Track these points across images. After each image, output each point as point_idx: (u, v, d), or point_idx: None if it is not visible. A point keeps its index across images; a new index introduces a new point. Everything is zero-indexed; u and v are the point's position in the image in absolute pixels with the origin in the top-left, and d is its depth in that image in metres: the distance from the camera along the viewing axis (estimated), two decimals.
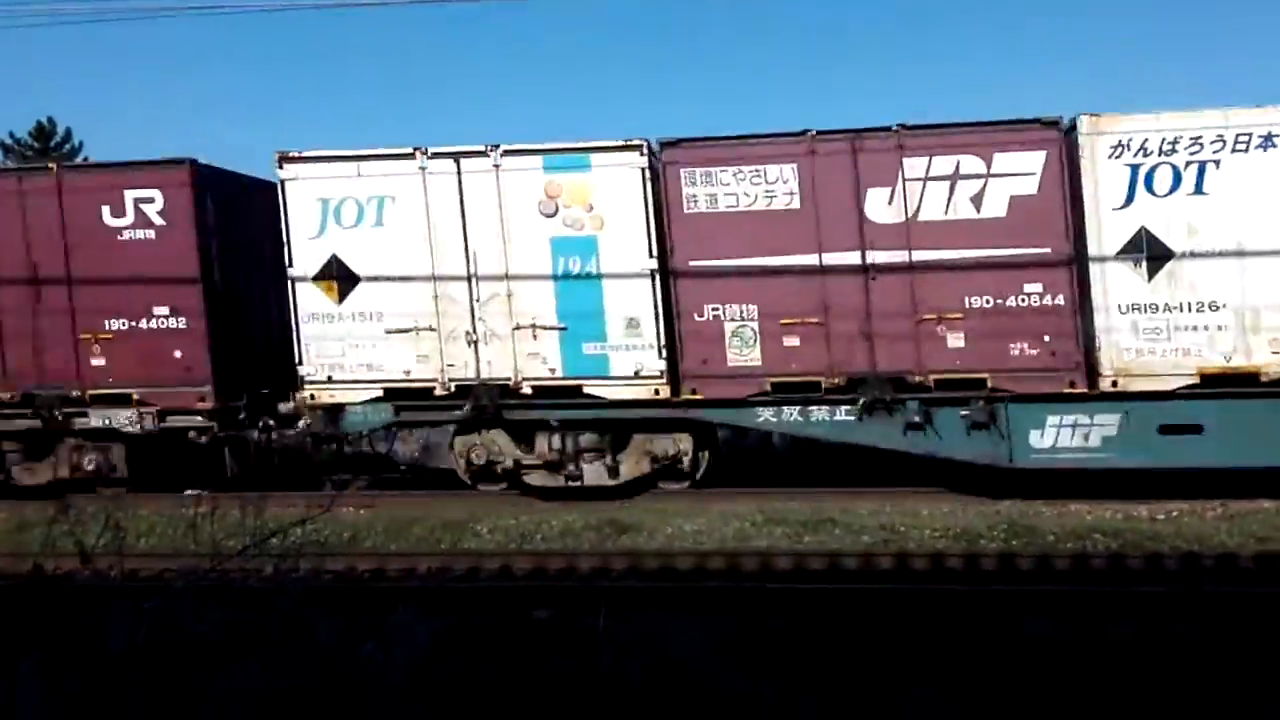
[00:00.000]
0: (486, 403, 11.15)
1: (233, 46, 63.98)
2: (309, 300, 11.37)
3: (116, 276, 11.64)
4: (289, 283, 11.41)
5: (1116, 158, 10.06)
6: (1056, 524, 9.97)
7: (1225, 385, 9.99)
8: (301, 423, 11.79)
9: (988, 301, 10.38)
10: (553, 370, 11.16)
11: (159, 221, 11.63)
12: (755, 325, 10.79)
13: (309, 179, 11.30)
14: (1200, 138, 9.89)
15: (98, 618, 4.89)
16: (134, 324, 11.76)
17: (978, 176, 10.34)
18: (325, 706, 4.44)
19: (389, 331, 11.25)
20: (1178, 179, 9.97)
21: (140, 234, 11.68)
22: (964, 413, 10.50)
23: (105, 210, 11.68)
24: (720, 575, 8.64)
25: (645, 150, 10.94)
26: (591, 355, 11.10)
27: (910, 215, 10.47)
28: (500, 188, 11.08)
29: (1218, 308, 9.96)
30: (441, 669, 5.02)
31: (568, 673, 4.73)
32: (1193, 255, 9.95)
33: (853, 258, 10.62)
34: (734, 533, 10.14)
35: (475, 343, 11.22)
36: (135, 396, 11.81)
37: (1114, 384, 10.19)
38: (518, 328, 11.12)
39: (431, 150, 11.21)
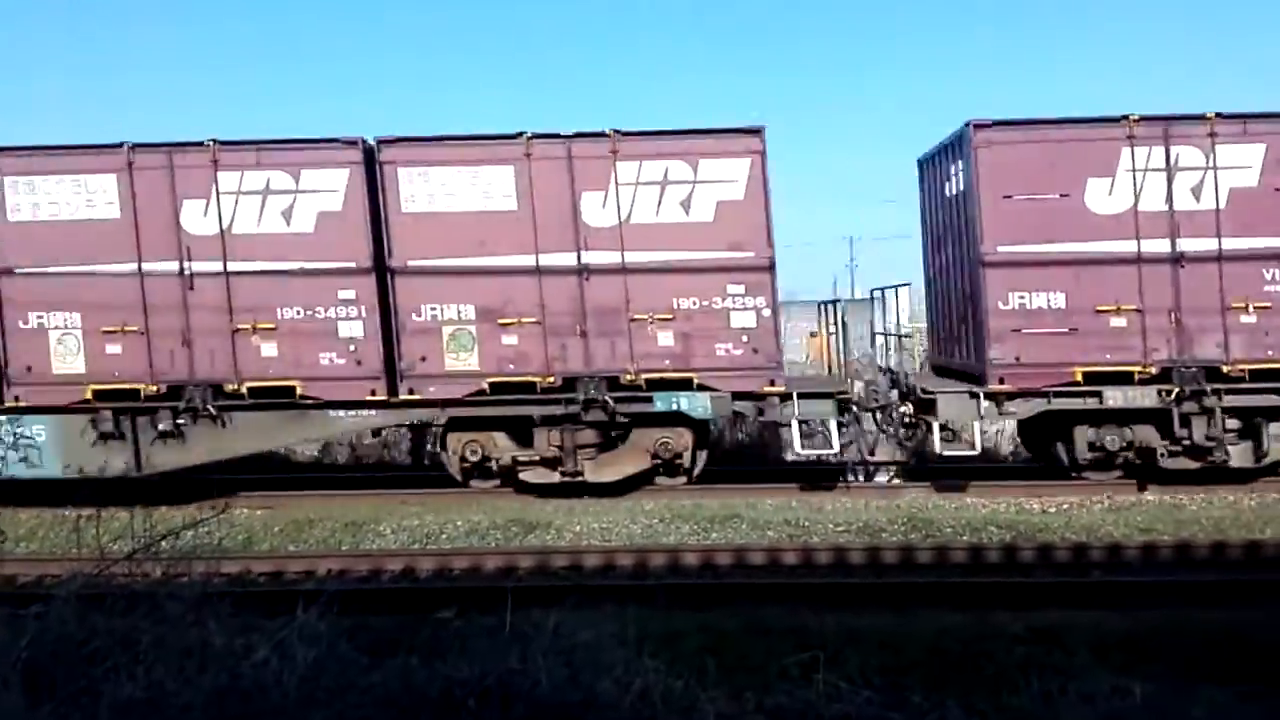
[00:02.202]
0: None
1: None
2: None
3: None
4: None
5: None
6: (954, 517, 10.27)
7: None
8: None
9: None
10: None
11: None
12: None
13: None
14: None
15: None
16: None
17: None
18: (218, 715, 4.27)
19: None
20: None
21: None
22: None
23: None
24: (628, 572, 8.63)
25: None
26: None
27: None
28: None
29: None
30: (341, 672, 4.87)
31: (473, 671, 4.63)
32: None
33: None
34: (642, 530, 10.15)
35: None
36: None
37: None
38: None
39: None
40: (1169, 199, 10.68)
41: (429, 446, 12.97)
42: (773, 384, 10.96)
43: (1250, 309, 10.59)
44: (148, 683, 4.31)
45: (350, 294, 10.87)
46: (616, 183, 10.76)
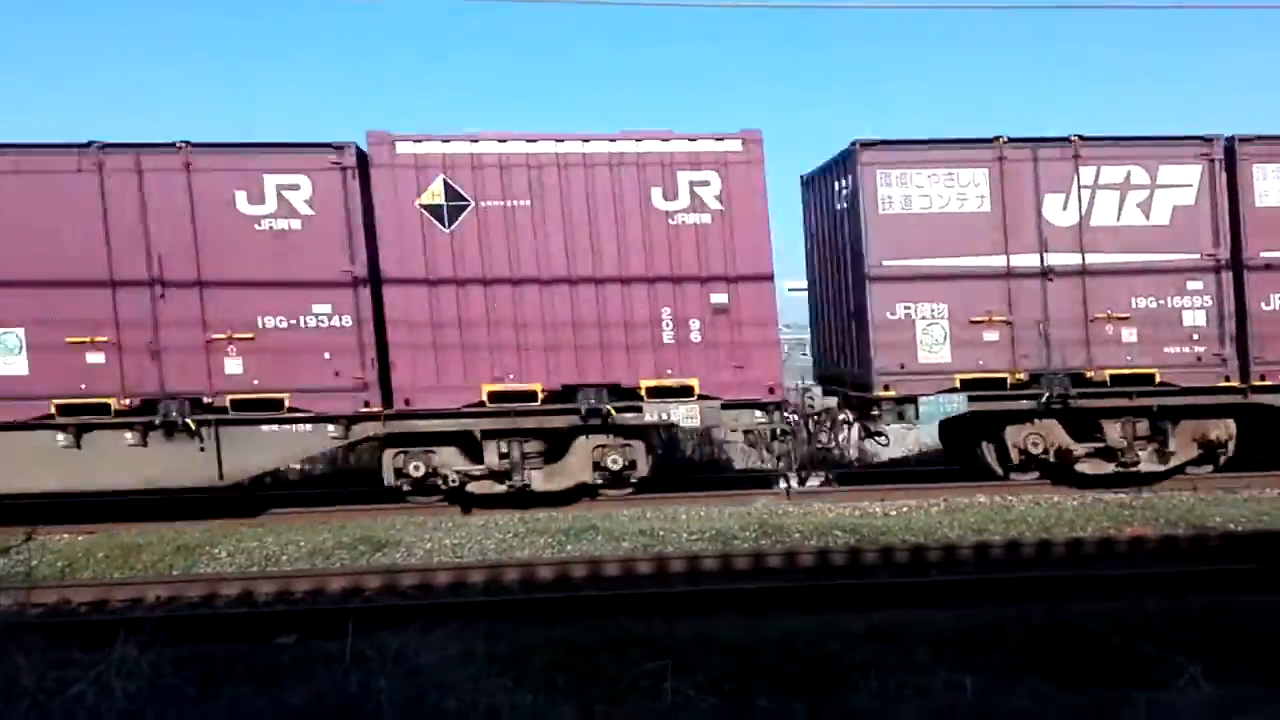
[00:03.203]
0: None
1: None
2: None
3: None
4: None
5: None
6: (802, 522, 10.53)
7: None
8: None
9: None
10: None
11: None
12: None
13: None
14: None
15: None
16: None
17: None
18: None
19: None
20: None
21: None
22: None
23: None
24: (480, 588, 8.46)
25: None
26: None
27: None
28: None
29: None
30: (166, 705, 4.57)
31: (311, 698, 4.43)
32: None
33: None
34: (495, 545, 9.99)
35: None
36: None
37: None
38: None
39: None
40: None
41: None
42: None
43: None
44: None
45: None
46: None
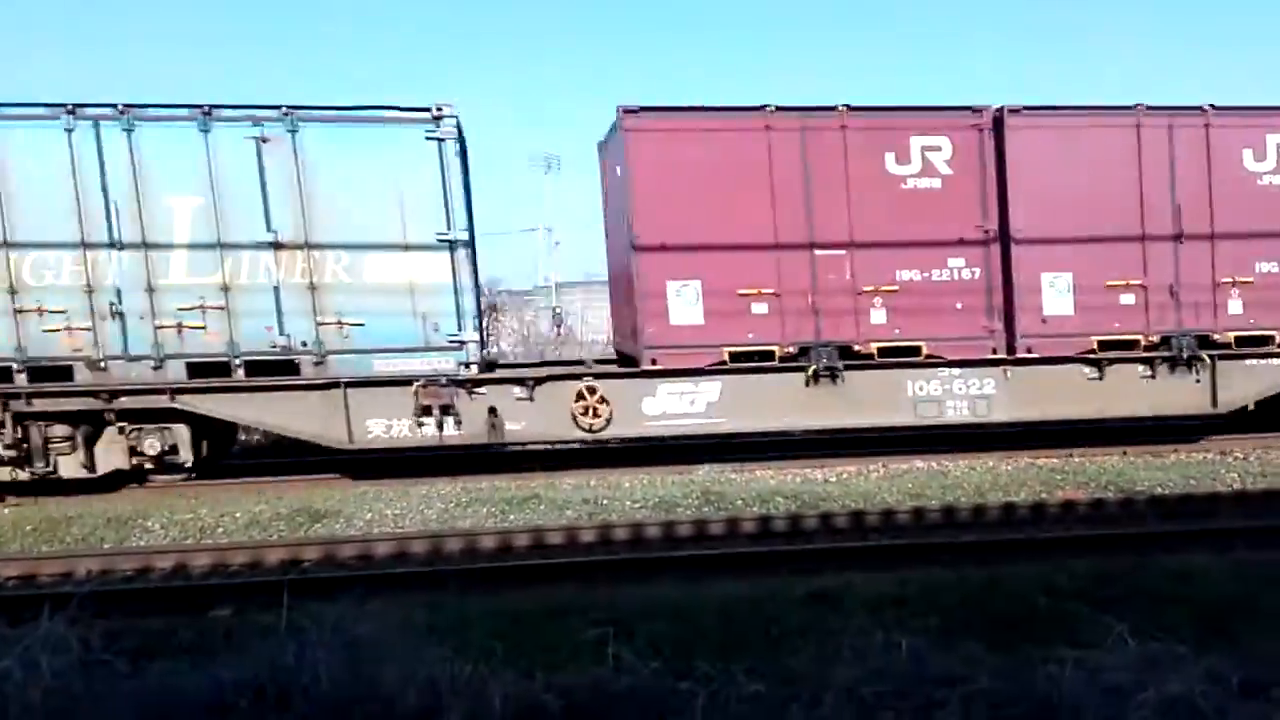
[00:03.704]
0: None
1: None
2: None
3: None
4: None
5: None
6: (744, 489, 10.62)
7: None
8: None
9: None
10: None
11: None
12: None
13: None
14: None
15: None
16: None
17: None
18: None
19: None
20: None
21: None
22: None
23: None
24: (420, 558, 8.40)
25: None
26: None
27: None
28: None
29: None
30: (99, 680, 4.46)
31: (246, 672, 4.35)
32: None
33: None
34: (437, 514, 9.92)
35: None
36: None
37: None
38: None
39: None
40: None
41: None
42: None
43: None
44: None
45: None
46: None
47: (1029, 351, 12.00)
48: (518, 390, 11.34)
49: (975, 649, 4.68)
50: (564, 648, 5.34)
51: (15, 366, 10.31)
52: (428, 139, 10.70)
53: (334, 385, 10.76)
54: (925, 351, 11.83)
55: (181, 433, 10.81)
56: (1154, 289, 12.09)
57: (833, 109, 11.59)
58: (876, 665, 4.30)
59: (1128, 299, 12.08)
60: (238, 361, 10.60)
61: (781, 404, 11.65)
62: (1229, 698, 4.03)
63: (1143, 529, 8.63)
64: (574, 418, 11.41)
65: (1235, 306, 12.20)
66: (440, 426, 11.05)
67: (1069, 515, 9.34)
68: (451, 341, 10.97)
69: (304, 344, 10.69)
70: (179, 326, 10.43)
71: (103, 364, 10.40)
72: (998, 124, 11.81)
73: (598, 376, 11.61)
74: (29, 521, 9.71)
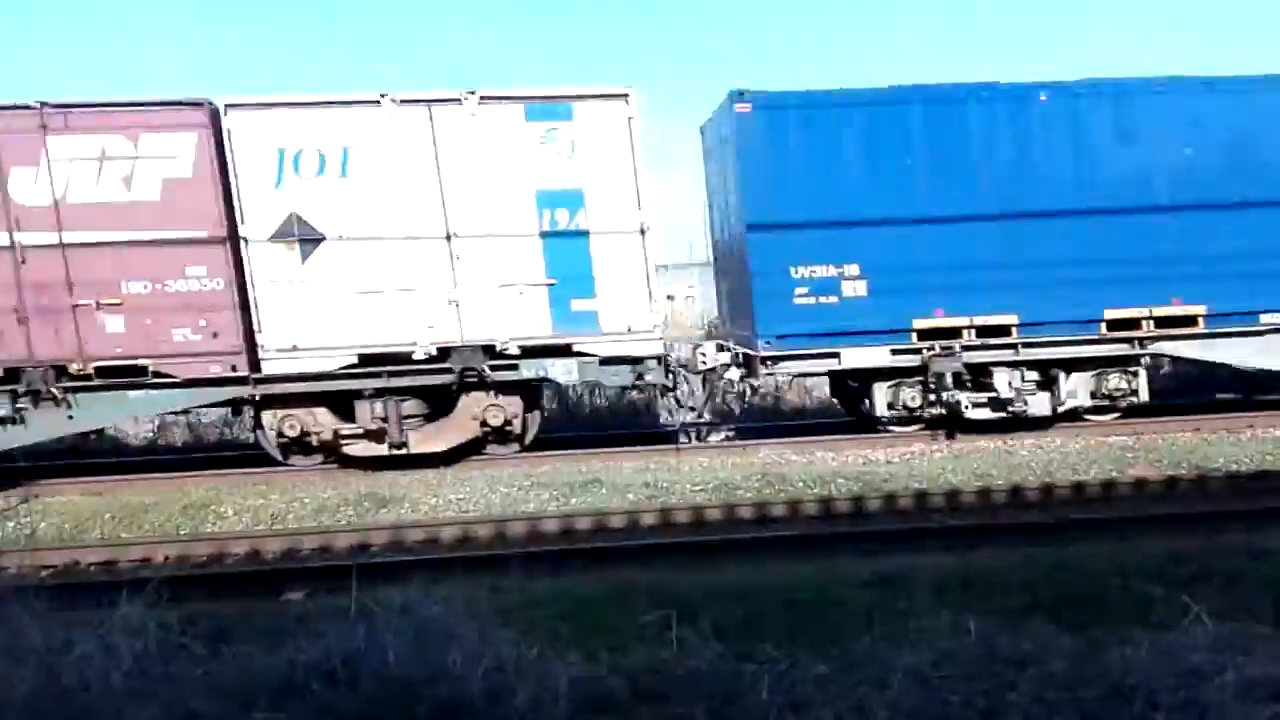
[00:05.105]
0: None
1: None
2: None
3: None
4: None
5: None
6: (805, 471, 10.54)
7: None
8: None
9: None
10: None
11: None
12: None
13: None
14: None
15: None
16: None
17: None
18: (34, 716, 3.96)
19: None
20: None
21: None
22: None
23: None
24: (487, 542, 8.51)
25: None
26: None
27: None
28: None
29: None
30: (173, 663, 4.60)
31: (317, 654, 4.44)
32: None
33: None
34: (500, 499, 10.01)
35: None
36: None
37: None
38: None
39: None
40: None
41: None
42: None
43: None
44: None
45: None
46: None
47: None
48: None
49: (1045, 631, 4.59)
50: (627, 630, 5.36)
51: None
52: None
53: None
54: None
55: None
56: None
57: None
58: (945, 648, 4.25)
59: None
60: None
61: None
62: None
63: (1217, 507, 8.40)
64: None
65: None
66: None
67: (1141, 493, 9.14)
68: None
69: None
70: None
71: None
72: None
73: None
74: (110, 509, 10.03)
